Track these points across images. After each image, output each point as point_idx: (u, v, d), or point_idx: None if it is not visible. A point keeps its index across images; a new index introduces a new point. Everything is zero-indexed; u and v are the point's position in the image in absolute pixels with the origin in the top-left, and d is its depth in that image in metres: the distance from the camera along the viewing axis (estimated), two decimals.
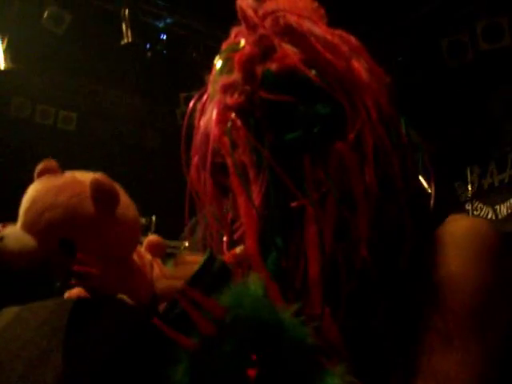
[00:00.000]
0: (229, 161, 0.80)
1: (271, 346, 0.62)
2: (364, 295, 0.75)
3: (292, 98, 0.76)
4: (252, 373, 0.60)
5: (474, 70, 5.35)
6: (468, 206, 5.39)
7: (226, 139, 0.79)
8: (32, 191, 0.83)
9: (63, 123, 6.90)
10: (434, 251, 0.77)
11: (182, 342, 0.63)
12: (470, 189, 5.29)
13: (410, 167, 0.81)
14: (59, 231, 0.79)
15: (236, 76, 0.79)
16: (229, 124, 0.79)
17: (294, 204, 0.76)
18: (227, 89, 0.80)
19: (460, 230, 0.78)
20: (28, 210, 0.81)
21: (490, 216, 5.50)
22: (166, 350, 0.64)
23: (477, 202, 5.62)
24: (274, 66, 0.78)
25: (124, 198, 0.87)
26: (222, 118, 0.80)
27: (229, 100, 0.79)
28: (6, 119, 6.57)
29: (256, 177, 0.78)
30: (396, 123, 0.82)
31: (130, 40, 5.66)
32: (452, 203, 5.62)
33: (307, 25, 0.80)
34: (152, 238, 1.03)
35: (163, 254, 1.00)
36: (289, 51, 0.78)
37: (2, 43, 5.51)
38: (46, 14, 5.31)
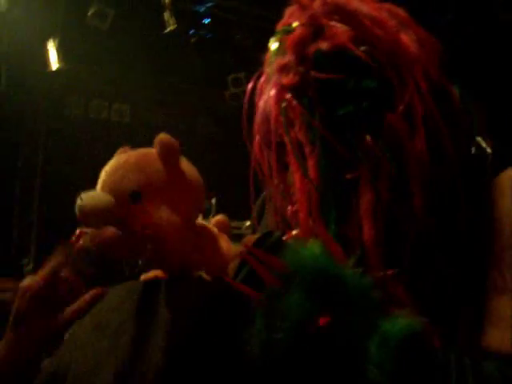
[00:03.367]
0: (286, 139, 0.84)
1: (337, 295, 0.64)
2: (425, 256, 0.76)
3: (342, 75, 0.80)
4: (323, 321, 0.62)
5: None
6: None
7: (283, 118, 0.84)
8: (106, 166, 0.91)
9: (117, 116, 7.06)
10: (486, 201, 0.80)
11: (254, 296, 0.66)
12: None
13: (462, 134, 0.83)
14: (130, 184, 0.85)
15: (289, 58, 0.84)
16: (284, 103, 0.83)
17: (349, 176, 0.78)
18: (282, 70, 0.84)
19: (506, 176, 0.81)
20: (103, 175, 0.90)
21: None
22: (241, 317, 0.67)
23: None
24: (324, 46, 0.81)
25: (187, 165, 0.93)
26: (279, 98, 0.85)
27: (284, 80, 0.83)
28: (62, 117, 6.78)
29: (311, 153, 0.81)
30: (447, 91, 0.84)
31: (173, 27, 5.71)
32: None
33: (354, 3, 0.83)
34: (219, 217, 1.08)
35: (229, 232, 1.04)
36: (338, 30, 0.82)
37: (54, 45, 5.67)
38: (90, 12, 5.43)
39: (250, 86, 0.94)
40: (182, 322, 0.75)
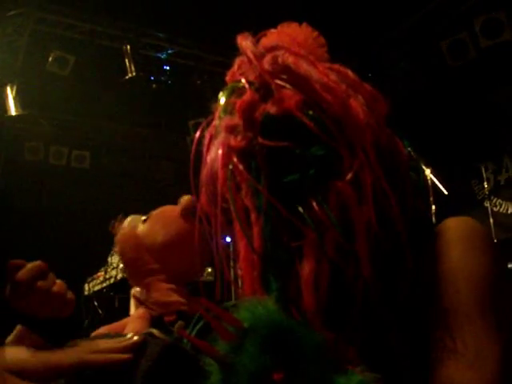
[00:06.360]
0: (231, 207, 0.82)
1: (292, 350, 0.65)
2: (373, 319, 0.76)
3: (289, 142, 0.78)
4: (278, 376, 0.62)
5: (478, 67, 5.35)
6: (486, 204, 5.34)
7: (229, 184, 0.82)
8: None
9: (77, 162, 7.00)
10: (430, 252, 0.80)
11: (210, 352, 0.66)
12: (486, 186, 5.24)
13: (408, 195, 0.83)
14: None
15: (238, 121, 0.81)
16: (231, 167, 0.82)
17: (294, 243, 0.77)
18: (231, 131, 0.82)
19: (451, 227, 0.81)
20: None
21: (510, 211, 5.44)
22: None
23: (495, 199, 5.57)
24: (272, 110, 0.79)
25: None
26: (226, 161, 0.83)
27: (232, 142, 0.81)
28: (21, 163, 6.69)
29: (257, 220, 0.80)
30: (395, 154, 0.84)
31: (133, 74, 5.76)
32: (468, 202, 5.58)
33: (304, 65, 0.81)
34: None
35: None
36: (286, 93, 0.80)
37: (11, 91, 5.64)
38: (50, 59, 5.44)
39: (197, 135, 0.90)
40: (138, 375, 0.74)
